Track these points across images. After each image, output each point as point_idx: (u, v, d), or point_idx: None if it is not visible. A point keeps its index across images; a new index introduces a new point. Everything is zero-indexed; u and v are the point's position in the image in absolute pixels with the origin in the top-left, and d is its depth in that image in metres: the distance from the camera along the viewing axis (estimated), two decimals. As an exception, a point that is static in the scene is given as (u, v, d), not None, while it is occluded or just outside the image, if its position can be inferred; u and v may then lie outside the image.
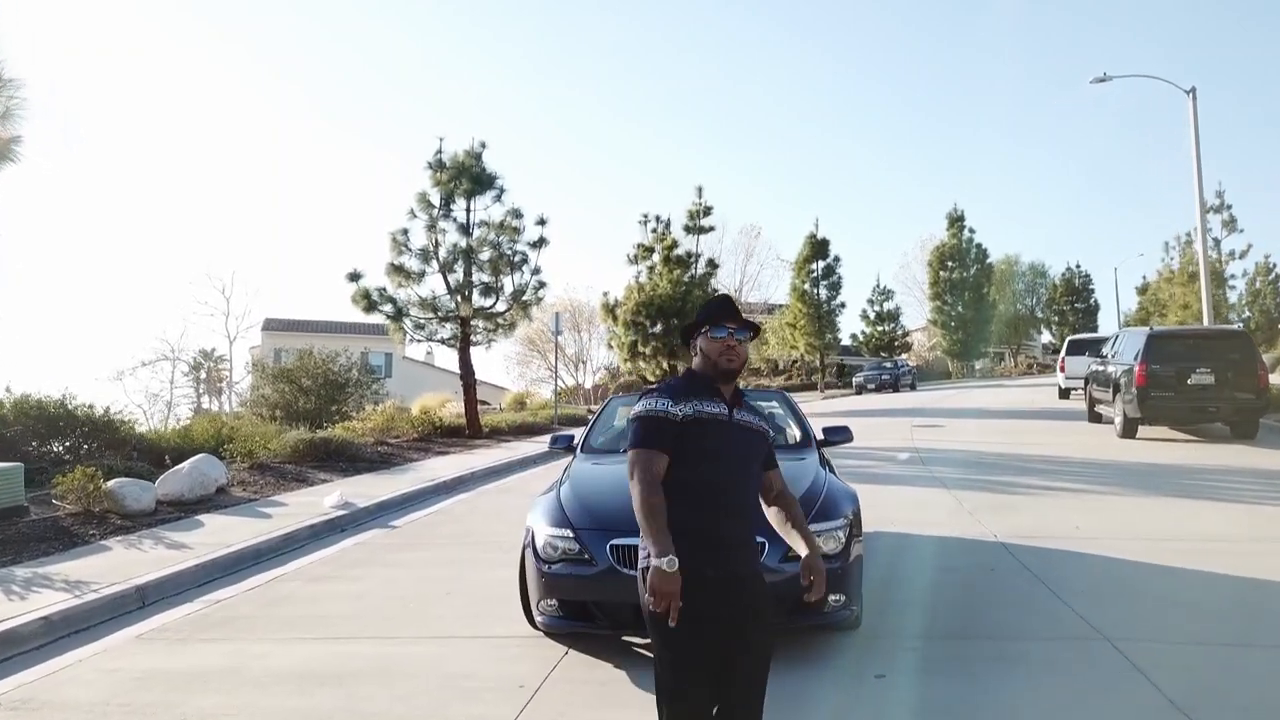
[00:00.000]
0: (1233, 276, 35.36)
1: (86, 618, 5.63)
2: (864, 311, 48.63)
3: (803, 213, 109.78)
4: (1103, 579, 5.80)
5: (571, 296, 44.49)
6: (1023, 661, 4.33)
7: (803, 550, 2.71)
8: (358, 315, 18.67)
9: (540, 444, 14.90)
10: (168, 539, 7.72)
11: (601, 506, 4.69)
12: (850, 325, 66.44)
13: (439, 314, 18.14)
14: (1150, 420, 13.89)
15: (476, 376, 18.63)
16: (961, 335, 50.38)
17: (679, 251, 25.36)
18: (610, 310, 25.33)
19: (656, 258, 25.36)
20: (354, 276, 17.44)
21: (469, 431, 17.37)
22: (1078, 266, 61.85)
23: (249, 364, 40.97)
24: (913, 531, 7.36)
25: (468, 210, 18.32)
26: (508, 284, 18.41)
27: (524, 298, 18.46)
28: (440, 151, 18.08)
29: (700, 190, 26.85)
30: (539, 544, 4.60)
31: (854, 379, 40.32)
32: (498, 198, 18.34)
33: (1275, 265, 36.12)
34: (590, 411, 20.60)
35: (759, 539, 2.76)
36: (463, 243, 18.11)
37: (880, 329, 47.73)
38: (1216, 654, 4.42)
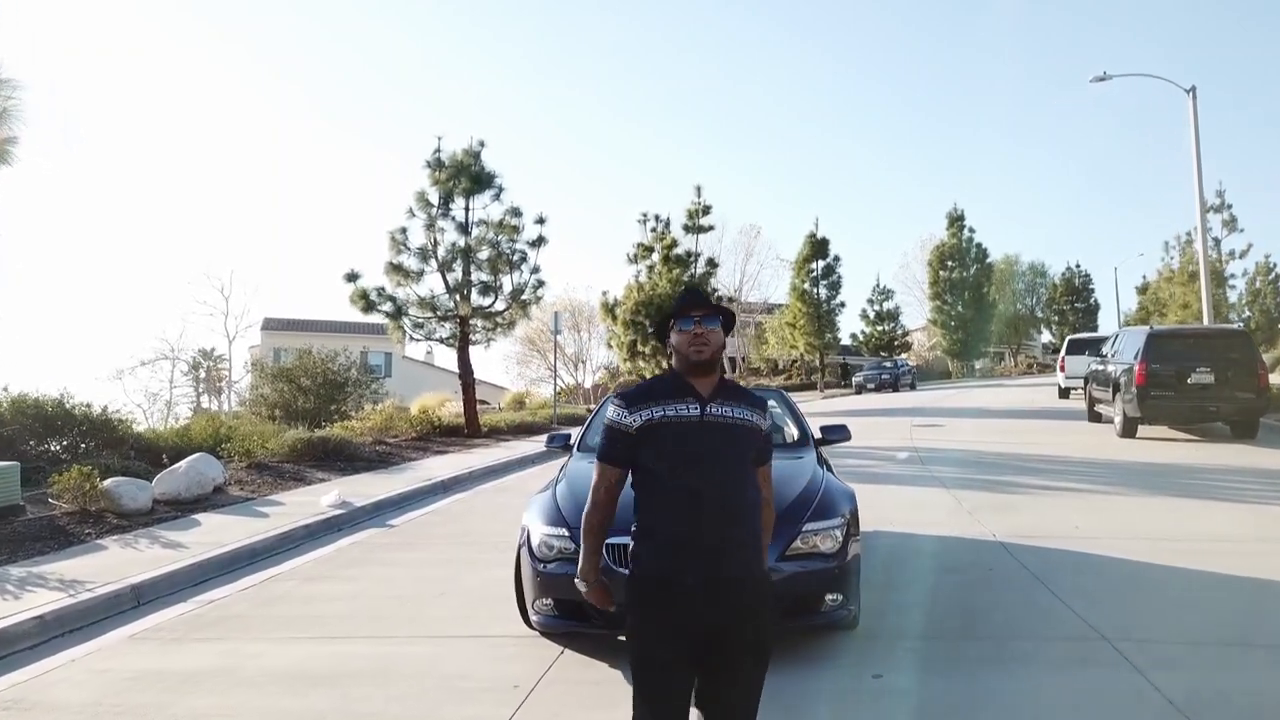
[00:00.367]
0: (1233, 276, 35.33)
1: (80, 617, 5.60)
2: (864, 311, 48.70)
3: (803, 213, 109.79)
4: (1102, 579, 5.77)
5: (571, 296, 44.49)
6: (1022, 662, 4.30)
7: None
8: (357, 315, 18.66)
9: (539, 443, 14.84)
10: (164, 538, 7.69)
11: None
12: (850, 325, 66.43)
13: (438, 313, 18.10)
14: (1150, 420, 13.85)
15: (476, 376, 18.61)
16: (961, 335, 50.36)
17: (678, 251, 25.35)
18: (610, 310, 25.32)
19: (656, 257, 25.35)
20: (351, 277, 17.42)
21: (468, 431, 17.34)
22: (1078, 266, 61.99)
23: (248, 363, 40.96)
24: (912, 531, 7.33)
25: (466, 209, 18.29)
26: (506, 283, 18.38)
27: (523, 297, 18.42)
28: (439, 150, 18.05)
29: (699, 189, 26.90)
30: (534, 543, 4.57)
31: (853, 379, 40.30)
32: (496, 196, 18.32)
33: (1275, 265, 36.07)
34: (589, 410, 20.57)
35: None
36: (461, 241, 18.08)
37: (880, 328, 47.73)
38: (1217, 654, 4.38)
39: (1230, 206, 35.09)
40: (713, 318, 2.57)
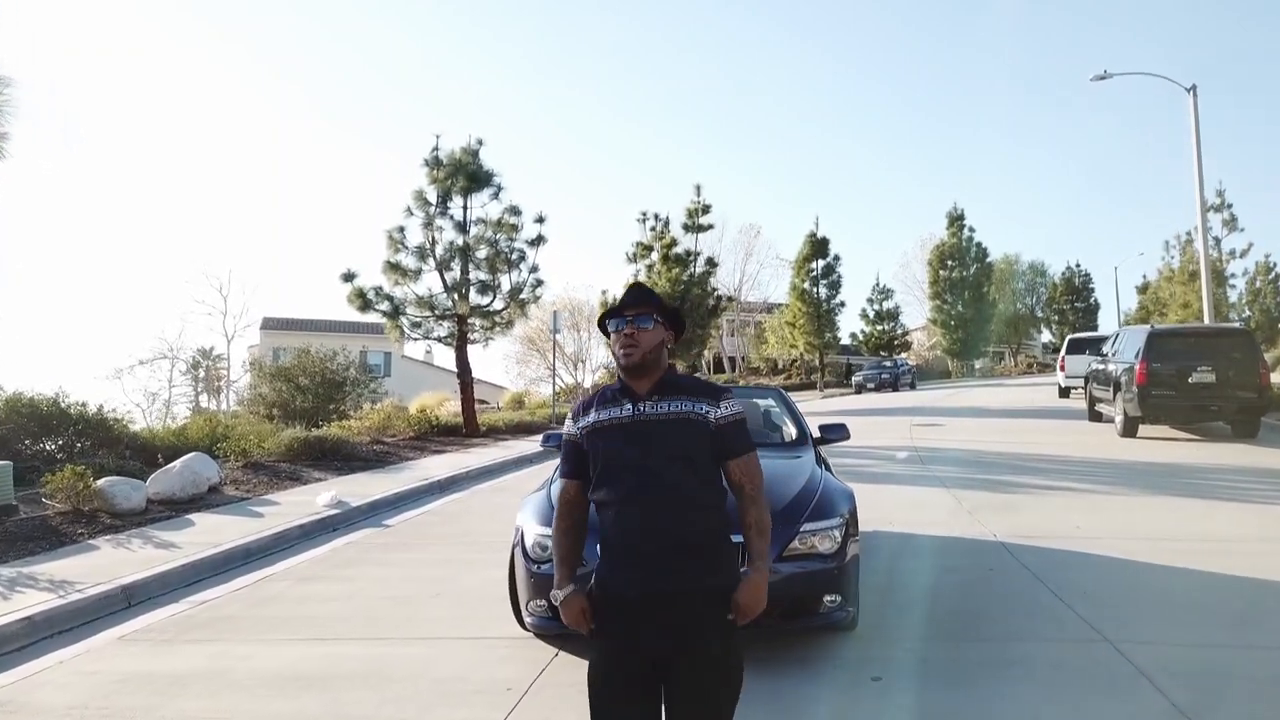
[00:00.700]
0: (1233, 276, 35.24)
1: (70, 618, 5.54)
2: (864, 310, 48.61)
3: (803, 212, 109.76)
4: (1105, 580, 5.70)
5: (571, 295, 44.37)
6: (1024, 665, 4.23)
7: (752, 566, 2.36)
8: (357, 315, 18.61)
9: (537, 443, 14.74)
10: (156, 538, 7.63)
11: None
12: (850, 324, 66.42)
13: (435, 312, 18.02)
14: (1151, 419, 13.78)
15: (475, 376, 18.54)
16: (961, 334, 50.29)
17: (678, 250, 25.32)
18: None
19: (655, 256, 25.32)
20: (348, 276, 17.34)
21: (466, 430, 17.28)
22: (1078, 266, 61.95)
23: (246, 363, 40.89)
24: (911, 531, 7.26)
25: (465, 208, 18.22)
26: (505, 282, 18.31)
27: (521, 296, 18.35)
28: (437, 148, 17.98)
29: (699, 188, 26.87)
30: (528, 543, 4.50)
31: (853, 378, 40.23)
32: (495, 195, 18.25)
33: (1275, 264, 36.00)
34: (588, 410, 20.48)
35: (742, 539, 2.42)
36: (460, 240, 18.01)
37: (880, 328, 47.65)
38: (1224, 657, 4.31)
39: (1230, 206, 34.98)
40: (646, 316, 2.41)
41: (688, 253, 25.52)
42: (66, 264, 68.91)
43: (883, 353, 46.50)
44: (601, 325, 2.53)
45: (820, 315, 39.35)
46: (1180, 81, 21.42)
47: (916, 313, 58.95)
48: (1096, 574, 5.83)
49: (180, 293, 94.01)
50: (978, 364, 55.20)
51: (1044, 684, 3.99)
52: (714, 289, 26.95)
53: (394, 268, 17.59)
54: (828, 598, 4.31)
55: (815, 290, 39.85)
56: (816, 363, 41.49)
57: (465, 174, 17.79)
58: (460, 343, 18.12)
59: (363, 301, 17.34)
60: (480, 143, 18.27)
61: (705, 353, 45.49)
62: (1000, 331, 57.47)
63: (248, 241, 79.08)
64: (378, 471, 12.11)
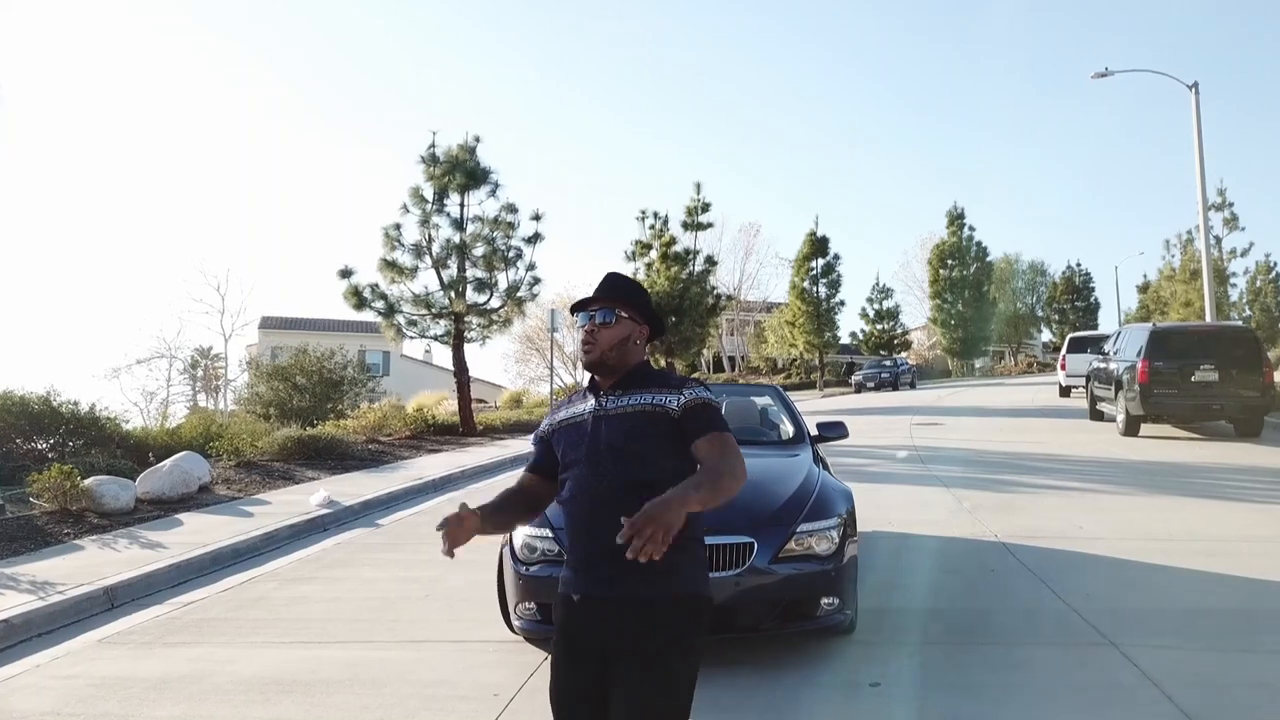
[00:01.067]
0: (1234, 274, 35.11)
1: (49, 620, 5.41)
2: (864, 310, 48.40)
3: (802, 212, 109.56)
4: (1108, 581, 5.58)
5: (570, 294, 44.05)
6: (1027, 669, 4.11)
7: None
8: (354, 313, 18.48)
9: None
10: (144, 538, 7.50)
11: None
12: (850, 324, 66.45)
13: (432, 310, 17.88)
14: (1153, 418, 13.67)
15: (473, 375, 18.41)
16: (961, 334, 50.15)
17: (677, 248, 25.15)
18: (608, 308, 25.11)
19: (654, 255, 25.17)
20: (345, 273, 17.20)
21: (463, 429, 17.15)
22: (1078, 265, 61.76)
23: (244, 362, 40.74)
24: (911, 531, 7.15)
25: (461, 205, 18.07)
26: (502, 280, 18.16)
27: (519, 294, 18.21)
28: (434, 145, 17.84)
29: (698, 186, 26.63)
30: (517, 544, 4.38)
31: (853, 377, 40.11)
32: (492, 192, 18.10)
33: (1276, 264, 35.89)
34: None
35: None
36: (456, 238, 17.87)
37: (880, 327, 47.47)
38: (1232, 661, 4.19)
39: (1232, 205, 34.84)
40: (608, 310, 2.29)
41: (687, 251, 25.35)
42: (64, 263, 68.81)
43: (883, 352, 46.34)
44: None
45: (820, 314, 39.20)
46: (1182, 79, 21.34)
47: (916, 312, 58.91)
48: (1099, 575, 5.72)
49: (178, 291, 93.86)
50: (978, 363, 55.08)
51: (1048, 690, 3.87)
52: (713, 288, 26.77)
53: (390, 265, 17.45)
54: (825, 600, 4.19)
55: (815, 289, 39.71)
56: (816, 362, 41.35)
57: (462, 171, 17.65)
58: (457, 341, 17.99)
59: (358, 299, 17.20)
60: (477, 139, 18.15)
61: (705, 352, 45.45)
62: (1000, 331, 57.33)
63: (246, 240, 78.89)
64: (372, 471, 11.99)
